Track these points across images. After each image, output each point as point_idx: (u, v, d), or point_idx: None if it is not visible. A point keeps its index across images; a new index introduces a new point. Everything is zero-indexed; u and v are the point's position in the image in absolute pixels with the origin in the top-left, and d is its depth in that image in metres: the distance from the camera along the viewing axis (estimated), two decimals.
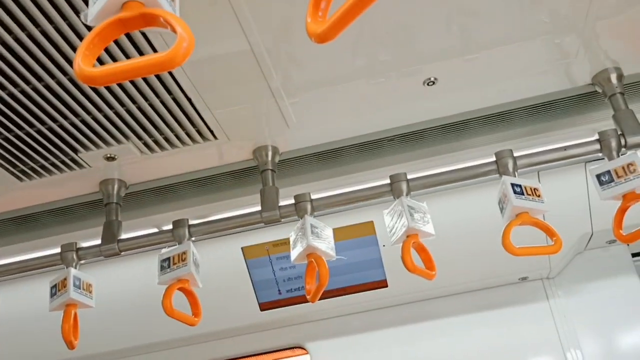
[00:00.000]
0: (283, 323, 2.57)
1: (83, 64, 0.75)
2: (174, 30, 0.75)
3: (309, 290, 1.72)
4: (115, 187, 1.90)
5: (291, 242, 1.73)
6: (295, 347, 2.63)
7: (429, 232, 1.64)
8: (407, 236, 1.62)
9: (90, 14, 0.81)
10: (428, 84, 1.66)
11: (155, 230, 2.09)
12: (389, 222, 1.68)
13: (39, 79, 1.42)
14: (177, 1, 0.86)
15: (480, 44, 1.59)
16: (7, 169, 1.75)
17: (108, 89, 1.50)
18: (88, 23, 0.81)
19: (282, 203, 1.82)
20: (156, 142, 1.74)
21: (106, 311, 1.99)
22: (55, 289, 1.77)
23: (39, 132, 1.61)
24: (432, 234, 1.65)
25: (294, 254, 1.70)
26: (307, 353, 2.61)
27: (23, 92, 1.45)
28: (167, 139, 1.74)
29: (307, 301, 2.43)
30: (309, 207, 1.75)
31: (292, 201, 1.80)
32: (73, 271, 1.77)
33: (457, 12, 1.47)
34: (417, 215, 1.63)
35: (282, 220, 1.81)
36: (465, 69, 1.67)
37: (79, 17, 1.27)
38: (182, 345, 2.56)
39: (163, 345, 2.54)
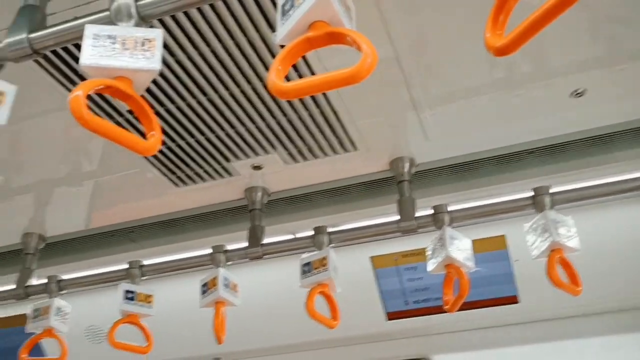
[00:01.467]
0: (409, 334, 2.58)
1: (277, 79, 0.84)
2: (359, 48, 0.81)
3: (447, 300, 1.73)
4: (259, 194, 2.03)
5: (428, 253, 1.75)
6: (421, 359, 2.63)
7: (574, 247, 1.60)
8: (551, 251, 1.59)
9: (280, 34, 0.89)
10: (576, 95, 1.63)
11: (290, 236, 2.20)
12: (531, 235, 1.65)
13: (204, 93, 1.56)
14: (354, 18, 0.93)
15: (630, 53, 1.54)
16: (166, 175, 1.92)
17: (262, 102, 1.61)
18: (278, 43, 0.89)
19: (416, 214, 1.85)
20: (300, 152, 1.84)
21: (246, 311, 2.10)
22: (206, 287, 1.90)
23: (198, 142, 1.76)
24: (577, 249, 1.60)
25: (432, 264, 1.72)
26: None
27: (189, 105, 1.60)
28: (310, 150, 1.83)
29: (434, 313, 2.44)
30: (447, 218, 1.76)
31: (427, 212, 1.83)
32: (222, 271, 1.90)
33: (606, 20, 1.44)
34: (562, 230, 1.59)
35: (418, 230, 1.84)
36: (614, 80, 1.62)
37: (245, 36, 1.38)
38: (310, 349, 2.64)
39: (294, 348, 2.63)
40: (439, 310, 2.41)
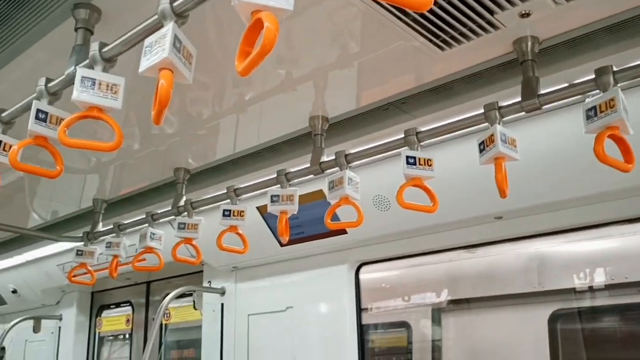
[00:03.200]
0: None
1: None
2: None
3: None
4: (529, 44, 1.92)
5: None
6: None
7: None
8: None
9: None
10: None
11: (566, 84, 2.06)
12: None
13: None
14: None
15: None
16: (431, 40, 1.93)
17: None
18: None
19: None
20: None
21: (526, 167, 2.08)
22: (484, 145, 1.93)
23: None
24: None
25: None
26: None
27: None
28: None
29: None
30: None
31: None
32: (498, 127, 1.90)
33: None
34: None
35: None
36: None
37: None
38: (599, 201, 2.52)
39: (580, 201, 2.54)
40: None
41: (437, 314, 3.49)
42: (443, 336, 3.40)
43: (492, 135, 1.89)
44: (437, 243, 3.12)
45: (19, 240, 4.67)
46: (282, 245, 3.53)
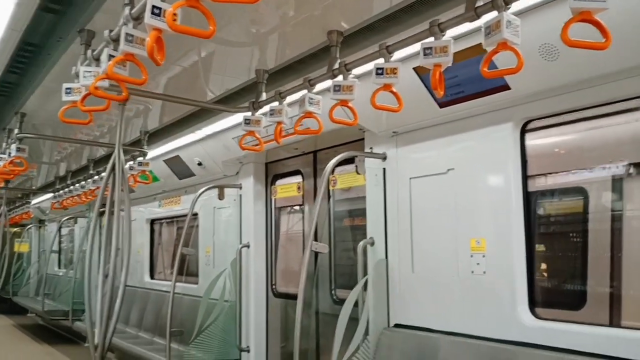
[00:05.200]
0: None
1: None
2: None
3: None
4: None
5: None
6: None
7: None
8: None
9: None
10: None
11: None
12: None
13: None
14: None
15: None
16: None
17: None
18: None
19: None
20: None
21: None
22: None
23: None
24: None
25: None
26: None
27: None
28: None
29: None
30: None
31: None
32: None
33: None
34: None
35: None
36: None
37: None
38: None
39: None
40: None
41: (618, 180, 3.19)
42: (624, 205, 3.12)
43: None
44: (617, 92, 2.76)
45: (199, 114, 5.09)
46: (441, 106, 3.42)
